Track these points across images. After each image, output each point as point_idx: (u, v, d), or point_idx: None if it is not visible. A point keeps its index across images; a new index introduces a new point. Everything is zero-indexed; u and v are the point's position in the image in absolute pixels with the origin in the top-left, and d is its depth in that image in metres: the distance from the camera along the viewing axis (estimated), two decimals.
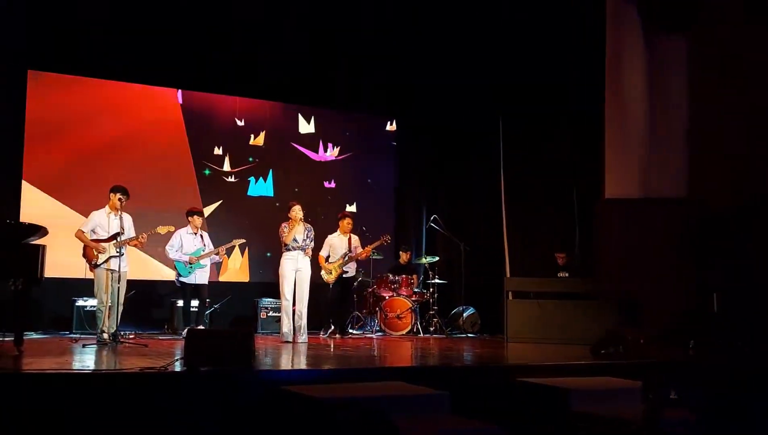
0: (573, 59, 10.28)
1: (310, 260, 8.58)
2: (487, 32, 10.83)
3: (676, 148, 9.65)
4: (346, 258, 9.38)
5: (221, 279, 10.19)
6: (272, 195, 10.79)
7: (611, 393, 5.16)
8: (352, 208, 11.12)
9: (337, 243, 9.43)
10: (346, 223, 9.50)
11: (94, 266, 7.53)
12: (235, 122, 10.62)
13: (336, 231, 9.55)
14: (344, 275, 9.46)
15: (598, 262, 9.82)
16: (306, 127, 11.13)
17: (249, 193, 10.66)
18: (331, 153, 11.26)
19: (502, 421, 4.43)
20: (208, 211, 10.06)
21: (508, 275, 10.51)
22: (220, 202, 10.42)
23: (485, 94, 11.04)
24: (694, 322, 8.55)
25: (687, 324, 8.55)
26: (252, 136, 10.73)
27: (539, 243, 10.55)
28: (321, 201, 10.98)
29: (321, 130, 11.25)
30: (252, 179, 10.71)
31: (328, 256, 9.39)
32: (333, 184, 11.25)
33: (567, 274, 9.66)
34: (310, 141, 11.17)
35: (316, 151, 11.18)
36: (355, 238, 9.56)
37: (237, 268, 10.48)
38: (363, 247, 9.56)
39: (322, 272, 9.29)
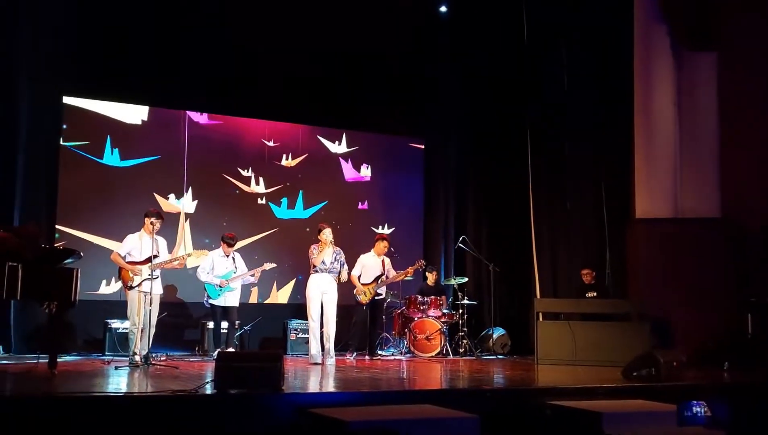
0: (602, 77, 10.26)
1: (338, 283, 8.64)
2: (514, 53, 10.88)
3: (707, 167, 9.57)
4: (379, 281, 9.39)
5: (254, 301, 10.23)
6: (302, 217, 10.84)
7: (645, 416, 5.10)
8: (383, 231, 11.15)
9: (370, 263, 9.45)
10: (383, 246, 9.52)
11: (128, 288, 7.63)
12: (264, 144, 10.70)
13: (370, 251, 9.57)
14: (377, 298, 9.49)
15: (630, 282, 9.74)
16: (335, 148, 11.19)
17: (279, 216, 10.72)
18: (362, 174, 11.29)
19: None
20: (245, 241, 10.10)
21: (537, 296, 10.44)
22: (265, 233, 10.52)
23: (514, 114, 11.05)
24: (728, 344, 8.42)
25: (721, 345, 8.42)
26: (282, 157, 10.80)
27: (569, 263, 10.47)
28: (352, 222, 10.96)
29: (349, 151, 11.30)
30: (284, 201, 10.77)
31: (360, 275, 9.41)
32: (365, 206, 11.27)
33: (595, 294, 9.54)
34: (340, 162, 11.21)
35: (348, 173, 11.22)
36: (388, 261, 9.60)
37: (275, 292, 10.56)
38: (395, 270, 9.60)
39: (356, 292, 9.31)
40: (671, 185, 9.63)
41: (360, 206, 11.25)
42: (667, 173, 9.63)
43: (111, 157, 9.81)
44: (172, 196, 10.07)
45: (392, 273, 9.56)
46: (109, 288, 9.51)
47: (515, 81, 11.02)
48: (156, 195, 9.94)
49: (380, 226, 11.23)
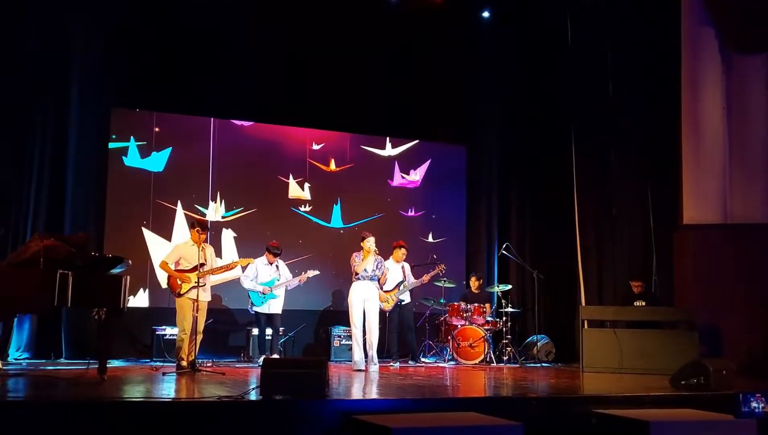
0: (648, 81, 10.13)
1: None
2: (557, 57, 10.82)
3: (757, 171, 9.37)
4: (401, 287, 9.40)
5: (295, 308, 10.30)
6: (346, 226, 10.88)
7: (694, 426, 5.01)
8: (428, 240, 11.15)
9: (390, 271, 9.44)
10: (401, 253, 9.52)
11: (177, 296, 7.76)
12: (308, 152, 10.79)
13: (389, 259, 9.56)
14: (402, 303, 9.49)
15: (677, 289, 9.57)
16: (386, 151, 11.22)
17: (323, 223, 10.79)
18: (410, 178, 11.31)
19: None
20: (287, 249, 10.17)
21: (583, 303, 10.32)
22: (308, 240, 10.62)
23: (558, 120, 10.98)
24: None
25: None
26: (326, 163, 10.86)
27: (615, 270, 10.32)
28: (396, 229, 10.93)
29: (399, 154, 11.31)
30: (329, 209, 10.83)
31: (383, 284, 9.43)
32: (412, 213, 11.28)
33: (644, 303, 9.38)
34: (388, 168, 11.23)
35: (396, 178, 11.26)
36: (407, 266, 9.63)
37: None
38: (415, 276, 9.63)
39: (380, 299, 9.33)
40: (720, 190, 9.44)
41: (406, 214, 11.25)
42: (715, 178, 9.45)
43: (154, 163, 9.99)
44: (212, 203, 10.21)
45: (412, 278, 9.57)
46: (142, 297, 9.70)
47: (559, 86, 10.94)
48: (195, 205, 10.11)
49: (428, 235, 11.22)
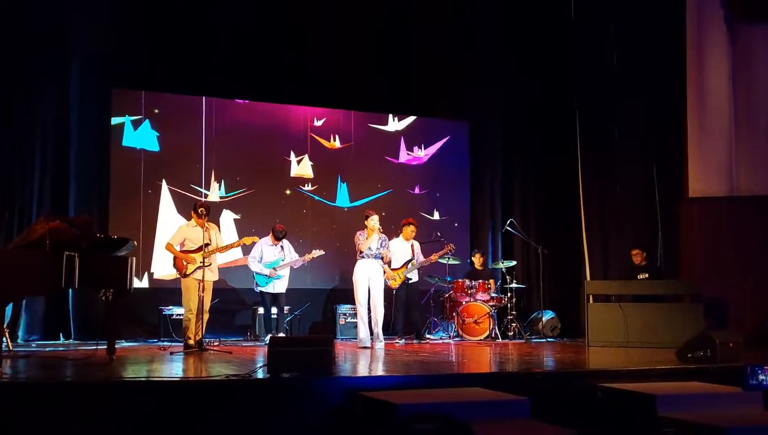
0: (653, 53, 10.03)
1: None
2: (560, 28, 10.73)
3: (764, 143, 9.31)
4: (410, 265, 9.39)
5: (301, 286, 10.31)
6: (352, 205, 10.87)
7: (700, 398, 5.02)
8: (434, 217, 11.14)
9: (399, 249, 9.41)
10: (411, 230, 9.47)
11: (183, 276, 7.79)
12: (309, 128, 10.74)
13: (398, 237, 9.55)
14: (409, 281, 9.47)
15: (683, 263, 9.55)
16: (392, 126, 11.17)
17: (327, 202, 10.78)
18: (411, 156, 11.27)
19: (584, 426, 4.36)
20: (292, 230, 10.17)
21: (588, 278, 10.33)
22: (312, 220, 10.63)
23: (561, 94, 10.91)
24: None
25: None
26: (327, 141, 10.82)
27: (620, 245, 10.30)
28: (401, 207, 10.90)
29: (404, 129, 11.26)
30: (329, 186, 10.82)
31: (390, 262, 9.41)
32: (417, 191, 11.25)
33: (647, 276, 9.37)
34: (388, 146, 11.18)
35: (396, 157, 11.21)
36: (416, 245, 9.57)
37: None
38: (424, 254, 9.58)
39: (386, 277, 9.31)
40: (726, 163, 9.40)
41: (412, 192, 11.23)
42: (721, 151, 9.41)
43: (152, 143, 9.96)
44: (214, 184, 10.20)
45: (421, 257, 9.54)
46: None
47: (562, 60, 10.86)
48: (193, 186, 10.09)
49: (433, 213, 11.20)
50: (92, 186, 9.57)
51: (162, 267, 9.65)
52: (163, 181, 9.94)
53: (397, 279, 9.31)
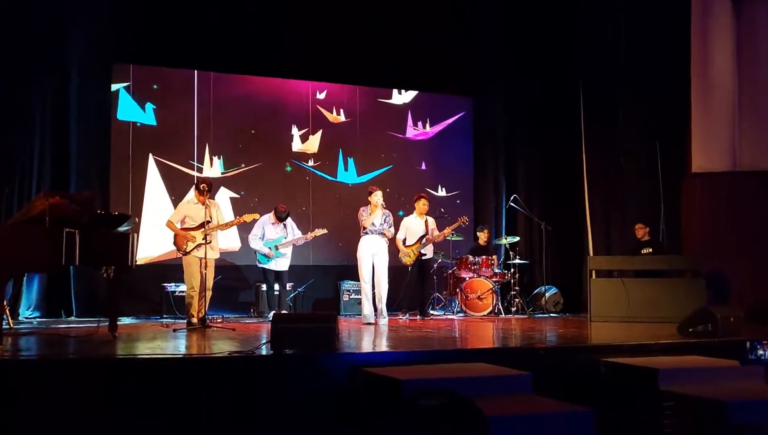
0: (656, 28, 9.94)
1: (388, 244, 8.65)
2: (566, 5, 10.62)
3: (767, 120, 9.25)
4: (424, 240, 9.36)
5: (305, 263, 10.30)
6: (357, 181, 10.82)
7: (701, 372, 5.03)
8: (439, 193, 11.12)
9: (414, 225, 9.42)
10: (422, 204, 9.43)
11: (183, 254, 7.76)
12: (312, 101, 10.67)
13: (412, 213, 9.54)
14: (423, 257, 9.45)
15: (685, 238, 9.54)
16: (399, 99, 11.11)
17: (329, 178, 10.75)
18: (418, 131, 11.21)
19: (586, 401, 4.37)
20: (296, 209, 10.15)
21: (591, 254, 10.32)
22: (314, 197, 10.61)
23: (566, 70, 10.83)
24: None
25: None
26: (330, 113, 10.76)
27: (623, 220, 10.29)
28: (406, 183, 10.89)
29: (410, 102, 11.20)
30: (332, 161, 10.78)
31: (405, 239, 9.39)
32: (423, 167, 11.21)
33: (651, 250, 9.38)
34: (393, 121, 11.10)
35: (402, 132, 11.15)
36: (431, 220, 9.52)
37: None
38: (439, 229, 9.54)
39: (401, 255, 9.30)
40: (729, 138, 9.35)
41: (418, 167, 11.19)
42: (725, 126, 9.35)
43: (150, 118, 9.91)
44: (215, 159, 10.15)
45: (436, 232, 9.50)
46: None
47: (567, 36, 10.77)
48: (191, 162, 10.06)
49: (438, 189, 11.18)
50: (92, 161, 9.54)
51: (145, 248, 9.55)
52: (150, 156, 9.83)
53: (411, 255, 9.27)
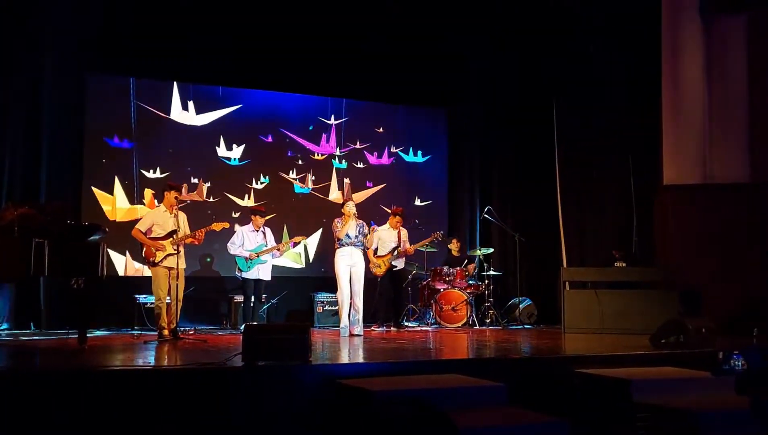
0: (628, 44, 10.06)
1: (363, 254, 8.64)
2: (540, 20, 10.68)
3: (737, 132, 9.38)
4: (395, 252, 9.36)
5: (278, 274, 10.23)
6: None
7: (674, 383, 5.06)
8: (416, 203, 11.18)
9: (386, 236, 9.43)
10: (396, 221, 9.51)
11: (152, 265, 7.64)
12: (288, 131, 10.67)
13: (385, 224, 9.55)
14: (394, 269, 9.45)
15: (658, 250, 9.62)
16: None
17: (300, 190, 10.72)
18: (385, 158, 11.23)
19: (561, 412, 4.37)
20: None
21: (564, 265, 10.37)
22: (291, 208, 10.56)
23: (539, 83, 10.91)
24: (757, 310, 8.32)
25: (750, 312, 8.32)
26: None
27: (596, 232, 10.37)
28: (384, 195, 10.91)
29: (369, 124, 11.20)
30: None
31: (377, 249, 9.39)
32: (386, 184, 11.23)
33: (624, 264, 9.44)
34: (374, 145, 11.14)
35: (372, 154, 11.17)
36: (404, 232, 9.54)
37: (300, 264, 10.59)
38: (411, 242, 9.57)
39: (371, 266, 9.29)
40: (700, 151, 9.46)
41: (393, 180, 11.21)
42: (696, 139, 9.46)
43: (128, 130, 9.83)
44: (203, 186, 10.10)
45: (408, 244, 9.53)
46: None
47: (540, 50, 10.84)
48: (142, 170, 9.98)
49: (415, 199, 11.21)
50: (65, 172, 9.40)
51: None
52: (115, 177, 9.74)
53: (382, 266, 9.29)
